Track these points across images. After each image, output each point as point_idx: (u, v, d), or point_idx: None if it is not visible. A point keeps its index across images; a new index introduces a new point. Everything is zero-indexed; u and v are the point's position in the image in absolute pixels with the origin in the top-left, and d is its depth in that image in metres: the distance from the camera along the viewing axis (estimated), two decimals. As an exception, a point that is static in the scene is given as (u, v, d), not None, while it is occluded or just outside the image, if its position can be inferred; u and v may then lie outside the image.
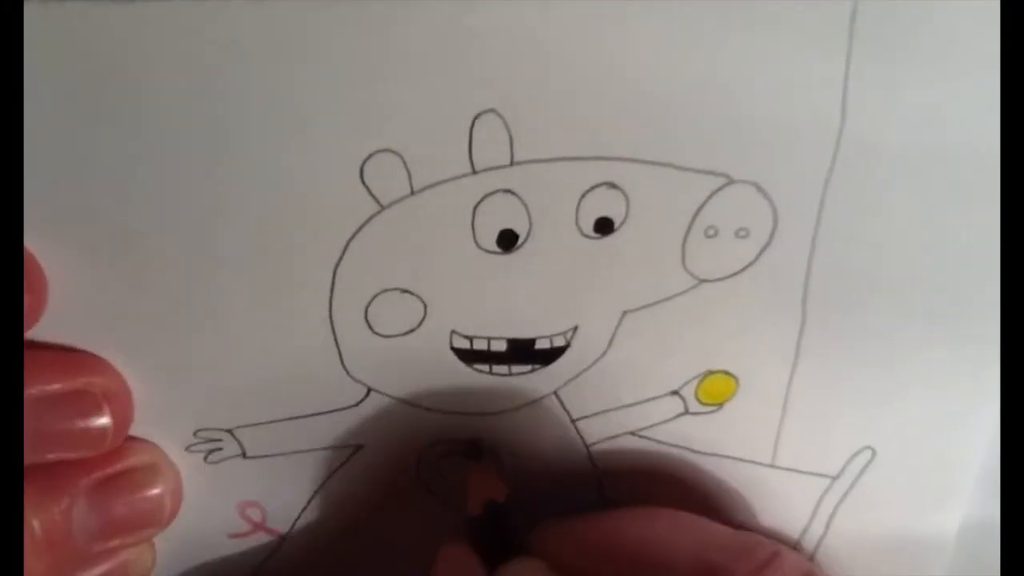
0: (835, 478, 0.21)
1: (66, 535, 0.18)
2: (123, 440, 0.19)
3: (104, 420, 0.18)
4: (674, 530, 0.19)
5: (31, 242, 0.17)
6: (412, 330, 0.19)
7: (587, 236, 0.18)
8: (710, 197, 0.18)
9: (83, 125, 0.16)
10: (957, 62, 0.16)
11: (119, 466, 0.19)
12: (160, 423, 0.20)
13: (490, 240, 0.18)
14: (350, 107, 0.16)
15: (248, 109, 0.16)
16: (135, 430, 0.19)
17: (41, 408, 0.18)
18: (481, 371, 0.20)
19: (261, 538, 0.22)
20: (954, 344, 0.19)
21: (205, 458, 0.20)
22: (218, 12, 0.15)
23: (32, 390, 0.17)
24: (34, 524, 0.18)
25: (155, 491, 0.20)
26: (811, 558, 0.22)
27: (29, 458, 0.18)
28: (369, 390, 0.20)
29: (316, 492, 0.21)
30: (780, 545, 0.19)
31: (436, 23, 0.16)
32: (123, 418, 0.19)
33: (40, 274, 0.17)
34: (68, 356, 0.18)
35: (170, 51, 0.15)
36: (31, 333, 0.18)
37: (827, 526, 0.22)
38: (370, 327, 0.19)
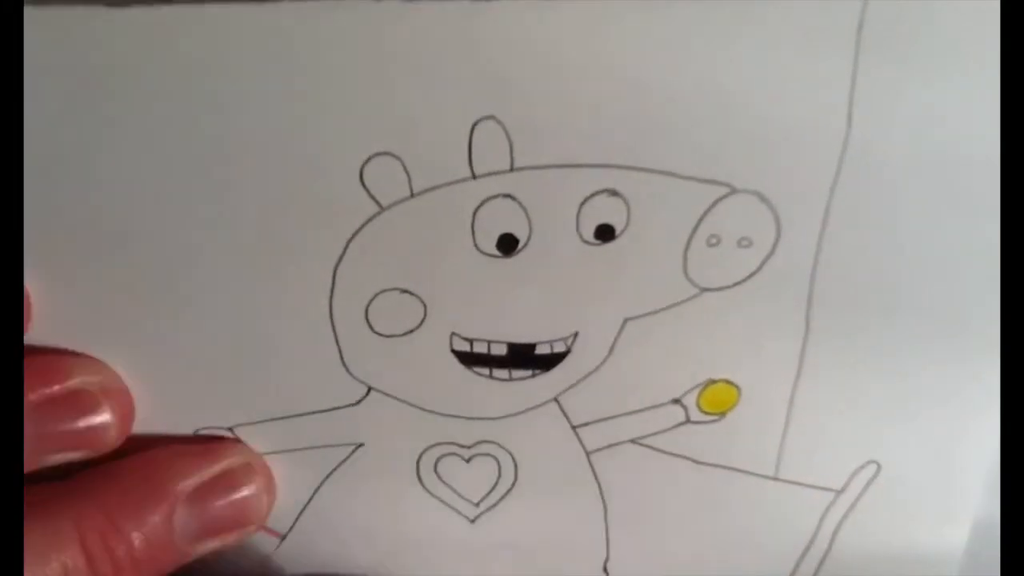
0: (839, 492, 0.21)
1: (168, 542, 0.19)
2: (122, 437, 0.19)
3: (105, 417, 0.18)
4: None
5: (30, 243, 0.17)
6: (412, 331, 0.19)
7: (588, 243, 0.18)
8: (712, 206, 0.17)
9: (82, 127, 0.16)
10: (964, 69, 0.16)
11: (216, 468, 0.20)
12: (160, 422, 0.20)
13: (490, 244, 0.18)
14: (350, 110, 0.16)
15: (249, 111, 0.16)
16: (136, 428, 0.20)
17: (40, 411, 0.18)
18: (481, 375, 0.19)
19: (261, 538, 0.22)
20: (960, 354, 0.19)
21: (206, 457, 0.20)
22: (218, 15, 0.15)
23: (30, 395, 0.18)
24: (133, 536, 0.18)
25: (252, 489, 0.20)
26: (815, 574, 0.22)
27: (33, 462, 0.18)
28: (369, 389, 0.20)
29: (316, 491, 0.21)
30: None
31: (436, 28, 0.15)
32: (124, 414, 0.19)
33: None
34: (61, 358, 0.18)
35: (169, 54, 0.15)
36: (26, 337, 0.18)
37: (831, 542, 0.22)
38: (370, 326, 0.19)
